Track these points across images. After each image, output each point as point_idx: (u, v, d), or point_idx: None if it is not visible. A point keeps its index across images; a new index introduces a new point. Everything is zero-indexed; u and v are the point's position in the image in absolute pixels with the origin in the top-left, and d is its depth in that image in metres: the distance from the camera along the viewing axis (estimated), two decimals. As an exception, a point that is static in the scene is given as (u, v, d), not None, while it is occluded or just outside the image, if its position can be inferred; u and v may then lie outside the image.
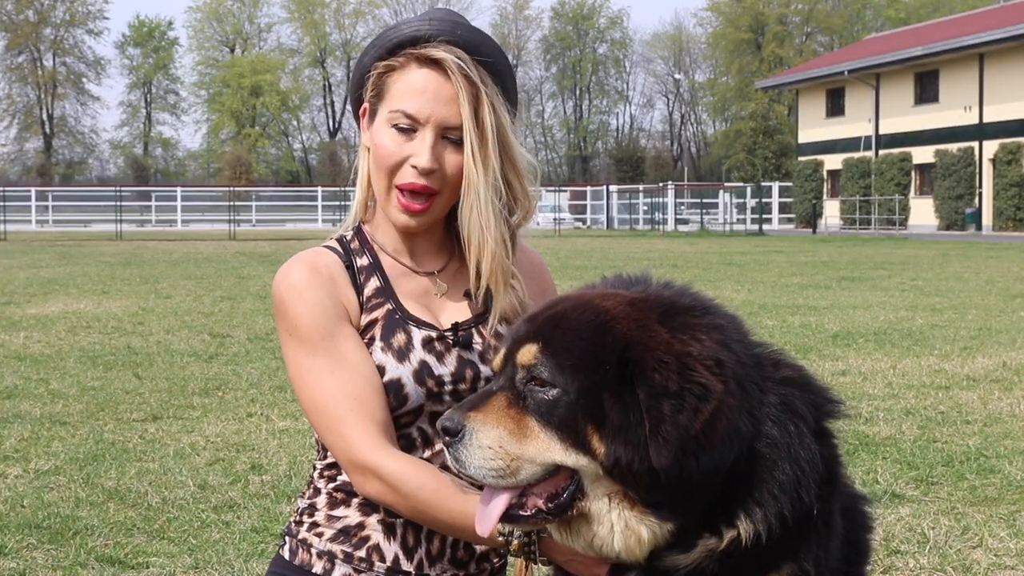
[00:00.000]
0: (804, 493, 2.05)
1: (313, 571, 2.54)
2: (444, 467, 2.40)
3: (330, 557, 2.54)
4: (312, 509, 2.60)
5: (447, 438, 2.08)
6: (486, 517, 2.13)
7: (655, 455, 1.96)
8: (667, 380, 1.97)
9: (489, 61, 2.57)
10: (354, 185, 2.70)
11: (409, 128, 2.53)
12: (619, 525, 2.05)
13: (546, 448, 2.05)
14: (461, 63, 2.52)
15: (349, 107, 2.79)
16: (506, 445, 2.06)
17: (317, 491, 2.61)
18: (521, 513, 2.11)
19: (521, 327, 2.17)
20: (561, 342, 2.07)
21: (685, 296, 2.18)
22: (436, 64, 2.52)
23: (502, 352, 2.16)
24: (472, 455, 2.07)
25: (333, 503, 2.58)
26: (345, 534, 2.55)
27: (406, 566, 2.53)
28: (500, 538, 2.30)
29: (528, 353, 2.09)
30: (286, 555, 2.60)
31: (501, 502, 2.11)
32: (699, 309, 2.13)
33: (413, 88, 2.52)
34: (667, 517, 2.02)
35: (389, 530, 2.54)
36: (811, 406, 2.13)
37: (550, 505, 2.09)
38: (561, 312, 2.13)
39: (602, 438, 2.01)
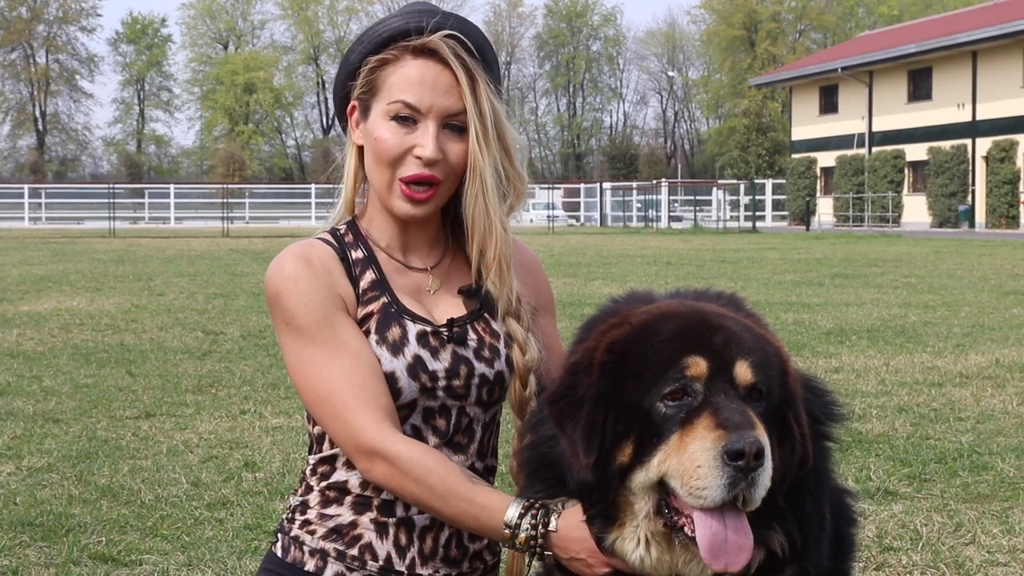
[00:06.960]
0: (820, 502, 2.17)
1: (305, 568, 2.53)
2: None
3: (322, 555, 2.53)
4: (304, 507, 2.59)
5: (755, 462, 1.96)
6: (741, 548, 2.02)
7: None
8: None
9: (479, 48, 2.57)
10: (339, 183, 2.70)
11: (409, 119, 2.51)
12: None
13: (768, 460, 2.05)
14: (457, 50, 2.52)
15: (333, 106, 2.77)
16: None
17: (309, 488, 2.60)
18: None
19: (714, 341, 2.12)
20: (760, 357, 2.13)
21: (744, 308, 2.38)
22: (432, 54, 2.52)
23: (705, 366, 2.09)
24: (765, 478, 1.99)
25: (325, 501, 2.56)
26: (337, 533, 2.54)
27: (399, 565, 2.52)
28: (507, 531, 2.28)
29: (748, 368, 2.09)
30: (278, 552, 2.59)
31: (748, 530, 2.04)
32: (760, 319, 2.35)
33: (411, 79, 2.51)
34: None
35: (381, 529, 2.52)
36: (824, 414, 2.26)
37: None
38: (738, 328, 2.17)
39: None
